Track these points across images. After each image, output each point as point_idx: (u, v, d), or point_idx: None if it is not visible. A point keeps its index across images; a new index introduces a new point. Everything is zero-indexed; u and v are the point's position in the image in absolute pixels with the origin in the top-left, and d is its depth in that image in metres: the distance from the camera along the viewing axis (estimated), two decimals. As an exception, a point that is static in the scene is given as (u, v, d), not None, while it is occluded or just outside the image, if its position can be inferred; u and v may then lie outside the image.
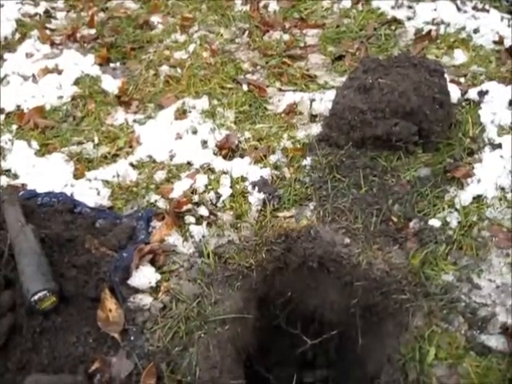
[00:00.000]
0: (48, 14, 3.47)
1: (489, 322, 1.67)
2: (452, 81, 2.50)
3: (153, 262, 1.86)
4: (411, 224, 1.96)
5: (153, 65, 2.93)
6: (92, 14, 3.36)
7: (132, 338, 1.66)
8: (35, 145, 2.43)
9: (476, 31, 2.95)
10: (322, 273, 1.92)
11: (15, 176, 2.29)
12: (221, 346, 1.68)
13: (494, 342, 1.63)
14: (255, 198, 2.09)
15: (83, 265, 1.78)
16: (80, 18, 3.42)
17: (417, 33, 3.01)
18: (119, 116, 2.60)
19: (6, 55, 3.03)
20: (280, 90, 2.69)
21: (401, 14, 3.15)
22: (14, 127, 2.55)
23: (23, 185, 2.20)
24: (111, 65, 2.99)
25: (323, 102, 2.49)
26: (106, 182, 2.21)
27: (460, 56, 2.79)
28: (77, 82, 2.81)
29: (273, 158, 2.26)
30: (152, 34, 3.21)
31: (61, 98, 2.72)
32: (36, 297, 1.60)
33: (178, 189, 2.13)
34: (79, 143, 2.45)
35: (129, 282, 1.79)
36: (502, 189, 2.04)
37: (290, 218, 2.02)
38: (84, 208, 2.06)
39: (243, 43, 3.07)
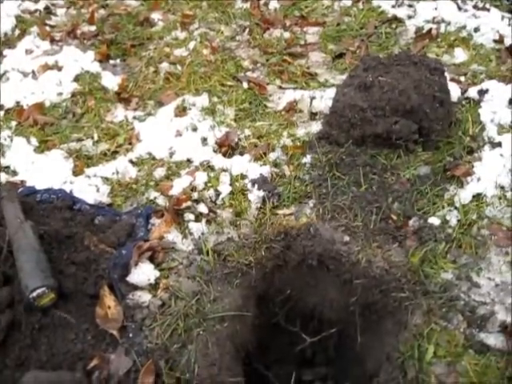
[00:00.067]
0: (48, 11, 3.47)
1: (488, 321, 1.67)
2: (452, 79, 2.50)
3: (152, 259, 1.86)
4: (411, 222, 1.96)
5: (153, 62, 2.92)
6: (92, 10, 3.36)
7: (131, 335, 1.66)
8: (34, 141, 2.42)
9: (476, 30, 2.95)
10: (321, 270, 1.91)
11: (14, 172, 2.28)
12: (220, 344, 1.68)
13: (493, 340, 1.63)
14: (255, 195, 2.09)
15: (82, 262, 1.78)
16: (80, 14, 3.42)
17: (417, 31, 3.01)
18: (119, 113, 2.59)
19: (6, 51, 3.03)
20: (280, 87, 2.69)
21: (401, 12, 3.15)
22: (14, 124, 2.54)
23: (22, 181, 2.20)
24: (111, 62, 2.99)
25: (323, 100, 2.49)
26: (106, 179, 2.21)
27: (460, 55, 2.79)
28: (77, 79, 2.81)
29: (273, 156, 2.26)
30: (152, 31, 3.20)
31: (60, 94, 2.71)
32: (35, 293, 1.60)
33: (178, 186, 2.12)
34: (79, 140, 2.45)
35: (128, 279, 1.79)
36: (502, 187, 2.04)
37: (290, 215, 2.02)
38: (83, 205, 2.05)
39: (243, 41, 3.06)
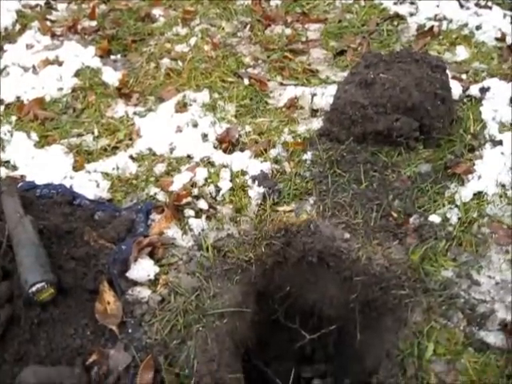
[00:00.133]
0: (49, 6, 3.47)
1: (488, 319, 1.66)
2: (454, 77, 2.50)
3: (152, 255, 1.86)
4: (411, 220, 1.96)
5: (154, 57, 2.92)
6: (93, 5, 3.35)
7: (130, 330, 1.66)
8: (35, 136, 2.42)
9: (478, 28, 2.95)
10: (321, 267, 1.91)
11: (14, 167, 2.28)
12: (219, 340, 1.68)
13: (493, 338, 1.62)
14: (255, 191, 2.08)
15: (82, 257, 1.78)
16: (81, 9, 3.41)
17: (419, 29, 3.01)
18: (119, 108, 2.59)
19: (7, 46, 3.02)
20: (281, 84, 2.69)
21: (403, 9, 3.14)
22: (14, 118, 2.54)
23: (22, 176, 2.19)
24: (112, 57, 2.98)
25: (324, 97, 2.48)
26: (106, 175, 2.21)
27: (462, 52, 2.79)
28: (77, 74, 2.81)
29: (273, 152, 2.26)
30: (153, 27, 3.20)
31: (61, 89, 2.71)
32: (34, 288, 1.59)
33: (178, 182, 2.12)
34: (79, 135, 2.44)
35: (127, 274, 1.78)
36: (503, 186, 2.04)
37: (290, 212, 2.02)
38: (83, 200, 2.05)
39: (245, 37, 3.06)
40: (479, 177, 2.06)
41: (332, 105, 2.33)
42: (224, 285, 1.80)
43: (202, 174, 2.15)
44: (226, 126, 2.40)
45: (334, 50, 2.90)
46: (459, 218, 1.95)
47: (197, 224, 1.96)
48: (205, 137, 2.37)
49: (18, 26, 3.22)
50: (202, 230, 1.95)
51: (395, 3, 3.20)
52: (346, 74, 2.51)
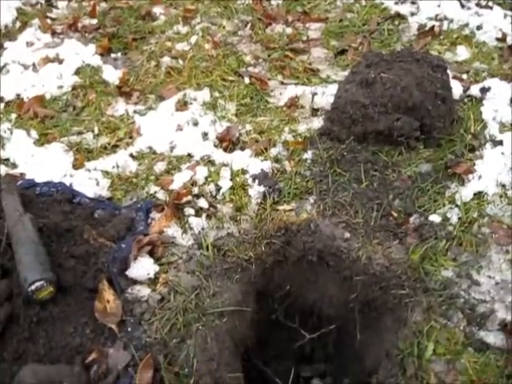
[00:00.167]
0: (49, 3, 3.45)
1: (488, 319, 1.66)
2: (454, 77, 2.50)
3: (151, 254, 1.85)
4: (411, 219, 1.96)
5: (154, 56, 2.91)
6: (94, 3, 3.34)
7: (129, 329, 1.65)
8: (34, 134, 2.42)
9: (479, 28, 2.94)
10: (321, 267, 1.91)
11: (14, 165, 2.28)
12: (219, 339, 1.67)
13: (493, 338, 1.62)
14: (255, 190, 2.08)
15: (81, 255, 1.77)
16: (81, 7, 3.40)
17: (420, 28, 3.00)
18: (120, 107, 2.58)
19: (7, 44, 3.01)
20: (282, 83, 2.69)
21: (404, 9, 3.14)
22: (14, 116, 2.54)
23: (22, 174, 2.19)
24: (112, 55, 2.97)
25: (325, 96, 2.48)
26: (106, 173, 2.20)
27: (463, 52, 2.79)
28: (77, 72, 2.80)
29: (274, 151, 2.25)
30: (154, 25, 3.19)
31: (61, 87, 2.70)
32: (33, 286, 1.59)
33: (178, 180, 2.12)
34: (79, 133, 2.44)
35: (127, 273, 1.78)
36: (503, 186, 2.04)
37: (290, 211, 2.02)
38: (83, 198, 2.05)
39: (245, 36, 3.05)
40: (479, 177, 2.06)
41: (333, 104, 2.33)
42: (224, 284, 1.80)
43: (202, 172, 2.15)
44: (226, 125, 2.40)
45: (335, 50, 2.90)
46: (459, 218, 1.94)
47: (197, 223, 1.96)
48: (205, 135, 2.36)
49: (18, 24, 3.21)
50: (202, 228, 1.95)
51: (396, 3, 3.19)
52: (346, 73, 2.50)
